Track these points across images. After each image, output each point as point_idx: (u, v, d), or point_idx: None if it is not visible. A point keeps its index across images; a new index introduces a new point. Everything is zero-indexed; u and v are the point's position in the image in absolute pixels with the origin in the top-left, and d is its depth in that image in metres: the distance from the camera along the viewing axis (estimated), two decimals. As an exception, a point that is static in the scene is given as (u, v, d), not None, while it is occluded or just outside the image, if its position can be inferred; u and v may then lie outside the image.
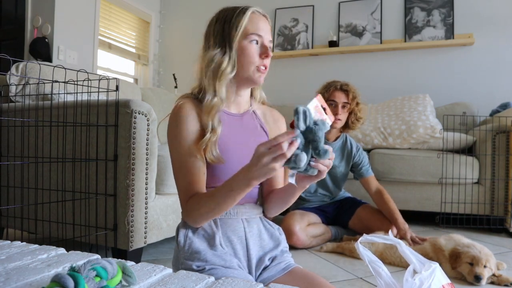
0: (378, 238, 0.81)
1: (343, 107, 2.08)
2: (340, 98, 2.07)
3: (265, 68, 0.98)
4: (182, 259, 0.95)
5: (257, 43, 0.96)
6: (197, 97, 1.00)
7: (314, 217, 2.11)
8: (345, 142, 2.20)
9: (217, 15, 1.00)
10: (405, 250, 0.74)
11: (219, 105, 0.97)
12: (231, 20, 0.95)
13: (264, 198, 1.07)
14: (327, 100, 2.09)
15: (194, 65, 1.04)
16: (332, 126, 2.12)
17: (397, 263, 1.68)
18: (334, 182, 2.20)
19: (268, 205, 1.05)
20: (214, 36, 0.97)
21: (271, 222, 1.10)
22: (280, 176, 1.09)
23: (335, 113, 2.07)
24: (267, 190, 1.07)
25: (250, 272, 0.97)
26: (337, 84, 2.10)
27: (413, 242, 1.85)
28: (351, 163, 2.19)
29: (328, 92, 2.09)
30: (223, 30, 0.96)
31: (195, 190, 0.92)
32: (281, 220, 2.11)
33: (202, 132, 0.96)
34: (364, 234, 0.83)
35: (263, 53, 0.96)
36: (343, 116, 2.09)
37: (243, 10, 0.96)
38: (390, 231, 0.80)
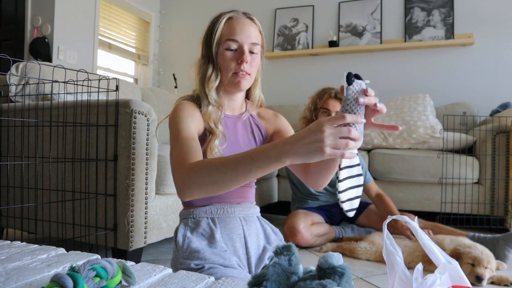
0: (405, 219, 0.78)
1: None
2: (335, 106, 2.04)
3: (245, 73, 0.97)
4: (181, 258, 0.95)
5: (234, 49, 0.96)
6: (197, 101, 1.02)
7: (317, 217, 2.12)
8: None
9: (208, 23, 1.03)
10: (426, 241, 0.72)
11: (216, 112, 0.99)
12: (212, 28, 0.99)
13: (304, 177, 1.01)
14: (320, 108, 2.07)
15: (191, 70, 1.07)
16: None
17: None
18: (330, 185, 2.22)
19: (310, 178, 0.99)
20: (202, 45, 1.02)
21: (268, 222, 1.10)
22: None
23: None
24: (302, 168, 1.01)
25: (250, 271, 0.97)
26: (331, 92, 2.06)
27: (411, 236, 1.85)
28: None
29: (322, 99, 2.06)
30: (206, 39, 1.00)
31: (193, 160, 0.84)
32: (284, 219, 2.12)
33: (202, 129, 0.98)
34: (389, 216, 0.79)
35: (238, 58, 0.96)
36: None
37: (219, 17, 0.98)
38: (416, 218, 0.78)
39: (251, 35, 0.97)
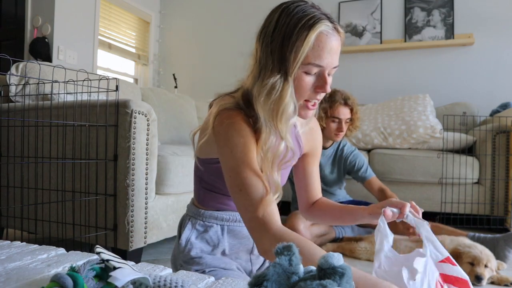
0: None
1: (346, 122, 2.07)
2: (345, 114, 2.05)
3: (315, 103, 0.83)
4: (181, 261, 0.94)
5: (314, 73, 0.78)
6: (244, 110, 0.83)
7: None
8: (337, 147, 2.20)
9: (278, 14, 0.79)
10: (424, 232, 0.73)
11: (289, 155, 0.82)
12: (291, 36, 0.75)
13: (303, 208, 1.03)
14: (330, 116, 2.05)
15: (249, 59, 0.84)
16: (334, 140, 2.13)
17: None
18: (328, 185, 2.21)
19: (310, 217, 1.00)
20: (272, 52, 0.77)
21: None
22: (317, 186, 1.02)
23: (339, 130, 2.05)
24: (305, 200, 1.01)
25: (250, 275, 0.97)
26: (340, 99, 2.05)
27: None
28: (345, 168, 2.19)
29: (332, 108, 2.04)
30: (282, 48, 0.76)
31: (275, 223, 0.74)
32: (284, 219, 2.12)
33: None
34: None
35: (319, 87, 0.79)
36: (345, 130, 2.08)
37: (309, 26, 0.74)
38: (420, 211, 0.80)
39: (337, 54, 0.80)
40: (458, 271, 0.67)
